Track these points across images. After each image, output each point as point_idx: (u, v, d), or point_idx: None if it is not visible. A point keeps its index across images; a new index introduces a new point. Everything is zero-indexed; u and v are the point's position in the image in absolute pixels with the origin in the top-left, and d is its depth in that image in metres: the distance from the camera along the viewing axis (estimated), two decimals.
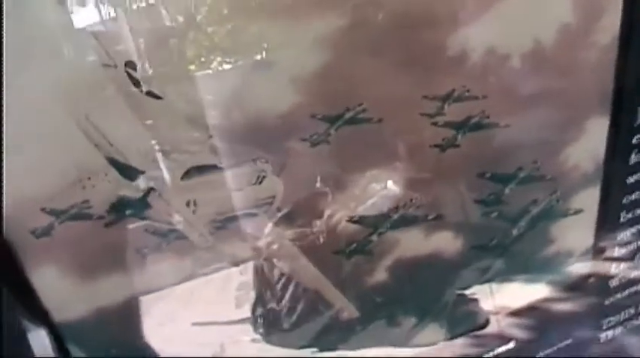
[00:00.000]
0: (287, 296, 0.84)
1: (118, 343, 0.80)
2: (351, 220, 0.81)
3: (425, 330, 0.91)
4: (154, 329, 0.80)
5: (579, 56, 0.79)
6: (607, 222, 0.92)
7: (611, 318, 1.02)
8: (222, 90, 0.71)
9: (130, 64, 0.67)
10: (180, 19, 0.68)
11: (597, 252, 0.94)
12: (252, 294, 0.83)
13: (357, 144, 0.76)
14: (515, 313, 0.96)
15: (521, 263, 0.91)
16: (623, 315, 1.02)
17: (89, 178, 0.70)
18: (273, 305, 0.85)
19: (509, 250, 0.88)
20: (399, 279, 0.85)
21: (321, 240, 0.81)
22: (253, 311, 0.85)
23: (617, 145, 0.85)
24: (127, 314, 0.78)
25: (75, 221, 0.71)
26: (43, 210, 0.70)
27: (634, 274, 0.98)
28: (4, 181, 0.67)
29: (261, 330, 0.85)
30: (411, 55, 0.73)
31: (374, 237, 0.81)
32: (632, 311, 1.02)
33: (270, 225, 0.80)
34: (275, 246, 0.81)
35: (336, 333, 0.87)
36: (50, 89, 0.66)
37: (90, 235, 0.72)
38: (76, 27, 0.65)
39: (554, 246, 0.91)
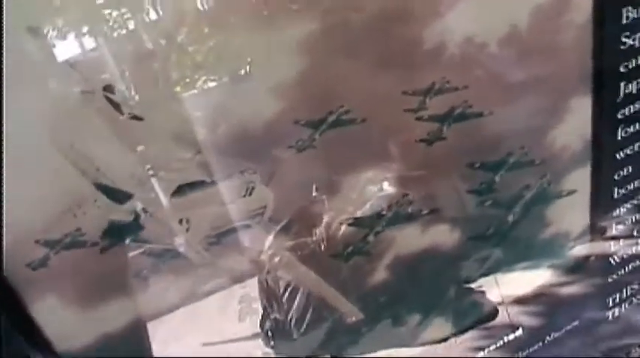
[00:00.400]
0: (294, 306, 0.84)
1: None
2: (347, 223, 0.80)
3: (431, 326, 0.91)
4: (159, 350, 0.80)
5: (556, 37, 0.79)
6: (601, 200, 0.92)
7: (616, 296, 1.01)
8: (205, 106, 0.71)
9: (108, 89, 0.67)
10: (162, 42, 0.68)
11: (595, 231, 0.94)
12: (255, 307, 0.83)
13: (343, 147, 0.76)
14: (522, 301, 0.96)
15: (520, 249, 0.91)
16: (627, 292, 1.02)
17: (79, 206, 0.70)
18: (281, 317, 0.85)
19: (507, 237, 0.88)
20: (399, 277, 0.85)
21: (322, 247, 0.81)
22: (262, 325, 0.85)
23: (602, 122, 0.85)
24: (131, 338, 0.78)
25: (70, 250, 0.71)
26: (37, 242, 0.70)
27: (634, 249, 0.98)
28: None
29: (272, 343, 0.85)
30: (388, 52, 0.73)
31: (370, 237, 0.81)
32: (635, 286, 1.02)
33: (270, 237, 0.80)
34: (277, 259, 0.82)
35: (343, 337, 0.87)
36: (33, 120, 0.66)
37: (87, 262, 0.72)
38: (58, 60, 0.65)
39: (552, 229, 0.91)
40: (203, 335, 0.82)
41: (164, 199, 0.73)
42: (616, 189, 0.91)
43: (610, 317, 1.03)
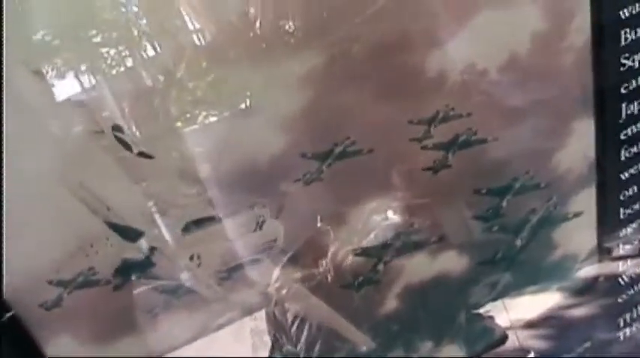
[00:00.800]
0: (303, 338, 0.84)
1: None
2: (354, 253, 0.81)
3: (443, 353, 0.91)
4: None
5: (556, 61, 0.80)
6: (607, 220, 0.92)
7: (627, 316, 1.01)
8: (210, 142, 0.72)
9: (117, 128, 0.68)
10: (161, 78, 0.69)
11: (602, 251, 0.94)
12: (266, 340, 0.83)
13: (350, 178, 0.76)
14: (532, 324, 0.96)
15: (529, 273, 0.91)
16: (638, 311, 1.02)
17: (91, 245, 0.71)
18: (290, 348, 0.85)
19: (516, 261, 0.88)
20: (410, 305, 0.85)
21: (329, 278, 0.81)
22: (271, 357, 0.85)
23: (606, 144, 0.85)
24: None
25: (83, 289, 0.71)
26: (50, 282, 0.71)
27: None
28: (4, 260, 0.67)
29: None
30: (391, 83, 0.74)
31: (380, 267, 0.81)
32: None
33: (277, 269, 0.80)
34: (284, 291, 0.82)
35: None
36: (43, 160, 0.67)
37: (100, 301, 0.73)
38: (57, 100, 0.66)
39: (559, 252, 0.91)
40: None
41: (174, 236, 0.73)
42: (622, 210, 0.91)
43: (622, 337, 1.03)
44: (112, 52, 0.67)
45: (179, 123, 0.71)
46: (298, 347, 0.85)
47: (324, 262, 0.81)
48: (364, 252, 0.81)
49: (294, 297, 0.82)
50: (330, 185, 0.76)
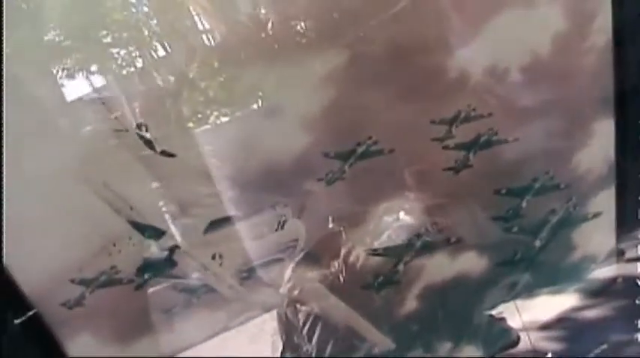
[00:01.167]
0: (314, 338, 0.84)
1: None
2: (374, 253, 0.81)
3: (462, 354, 0.91)
4: None
5: (577, 61, 0.80)
6: (626, 221, 0.91)
7: None
8: (233, 142, 0.72)
9: (140, 127, 0.68)
10: (172, 78, 0.69)
11: (621, 252, 0.94)
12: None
13: (372, 177, 0.76)
14: (545, 326, 0.96)
15: (547, 274, 0.91)
16: None
17: (114, 244, 0.71)
18: (301, 348, 0.84)
19: (535, 262, 0.88)
20: (430, 305, 0.85)
21: (341, 279, 0.81)
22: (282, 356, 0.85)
23: (626, 144, 0.85)
24: None
25: (105, 288, 0.72)
26: (72, 281, 0.71)
27: None
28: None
29: None
30: (414, 83, 0.74)
31: (400, 267, 0.81)
32: None
33: (289, 270, 0.80)
34: (296, 291, 0.82)
35: None
36: (65, 161, 0.67)
37: (121, 300, 0.73)
38: (67, 100, 0.67)
39: (578, 253, 0.91)
40: None
41: (196, 235, 0.73)
42: None
43: (639, 339, 1.02)
44: (123, 52, 0.67)
45: (190, 124, 0.71)
46: (310, 348, 0.84)
47: (336, 262, 0.81)
48: (384, 252, 0.81)
49: (310, 297, 0.82)
50: (352, 184, 0.75)
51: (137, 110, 0.68)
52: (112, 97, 0.67)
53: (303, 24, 0.70)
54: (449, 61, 0.74)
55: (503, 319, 0.92)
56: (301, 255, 0.80)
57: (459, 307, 0.88)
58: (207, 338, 0.80)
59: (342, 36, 0.71)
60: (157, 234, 0.71)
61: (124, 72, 0.68)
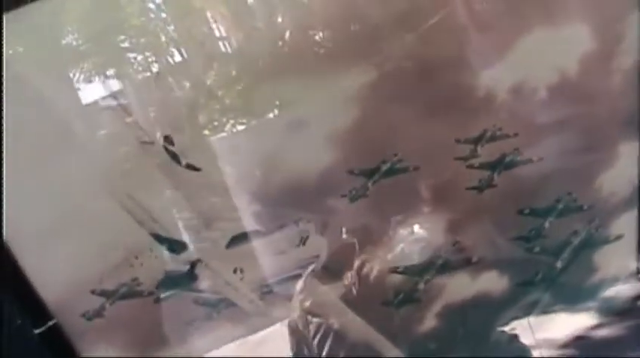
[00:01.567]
0: (325, 349, 0.84)
1: None
2: (395, 271, 0.80)
3: None
4: None
5: (604, 82, 0.79)
6: None
7: None
8: (257, 157, 0.72)
9: (167, 139, 0.68)
10: (188, 84, 0.69)
11: None
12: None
13: (395, 195, 0.76)
14: (559, 345, 0.95)
15: (567, 294, 0.91)
16: None
17: (136, 257, 0.71)
18: None
19: (556, 283, 0.87)
20: (449, 324, 0.84)
21: (354, 291, 0.81)
22: None
23: None
24: None
25: (126, 300, 0.71)
26: (93, 292, 0.70)
27: None
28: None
29: None
30: (440, 101, 0.74)
31: (421, 285, 0.81)
32: None
33: (301, 281, 0.80)
34: (308, 302, 0.81)
35: None
36: (89, 173, 0.67)
37: (141, 312, 0.73)
38: (83, 103, 0.67)
39: (599, 274, 0.91)
40: None
41: (218, 249, 0.73)
42: None
43: None
44: (140, 57, 0.67)
45: (206, 131, 0.71)
46: None
47: (349, 274, 0.80)
48: (405, 270, 0.80)
49: (324, 309, 0.82)
50: (375, 202, 0.75)
51: (152, 115, 0.68)
52: (129, 104, 0.67)
53: (320, 34, 0.70)
54: (475, 80, 0.74)
55: (516, 335, 0.92)
56: (314, 266, 0.80)
57: (478, 326, 0.87)
58: (225, 352, 0.80)
59: (364, 49, 0.70)
60: (180, 247, 0.71)
61: (140, 77, 0.68)
